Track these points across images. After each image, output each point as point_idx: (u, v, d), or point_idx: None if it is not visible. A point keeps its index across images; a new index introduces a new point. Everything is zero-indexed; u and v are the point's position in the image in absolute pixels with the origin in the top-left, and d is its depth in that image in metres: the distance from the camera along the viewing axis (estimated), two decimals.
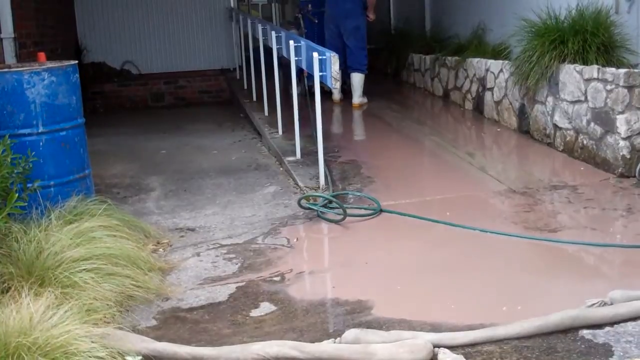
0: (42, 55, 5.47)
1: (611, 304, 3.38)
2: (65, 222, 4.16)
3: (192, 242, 4.79)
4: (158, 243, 4.73)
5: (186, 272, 4.26)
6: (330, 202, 5.17)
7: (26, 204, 4.05)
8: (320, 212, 5.09)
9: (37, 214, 4.20)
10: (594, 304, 3.37)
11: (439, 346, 3.10)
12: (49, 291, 3.43)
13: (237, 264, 4.35)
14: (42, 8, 8.45)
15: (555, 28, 6.36)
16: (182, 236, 4.91)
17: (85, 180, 4.84)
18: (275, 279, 4.10)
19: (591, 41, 6.09)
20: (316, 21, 9.93)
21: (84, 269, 3.70)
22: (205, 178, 6.48)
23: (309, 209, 5.20)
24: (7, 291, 3.55)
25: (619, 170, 5.55)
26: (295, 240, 4.74)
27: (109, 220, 4.34)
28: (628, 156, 5.52)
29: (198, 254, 4.54)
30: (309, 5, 10.44)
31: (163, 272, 4.22)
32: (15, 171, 4.12)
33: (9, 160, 4.03)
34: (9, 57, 6.75)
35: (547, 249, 4.37)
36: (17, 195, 3.90)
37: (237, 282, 4.07)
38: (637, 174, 5.48)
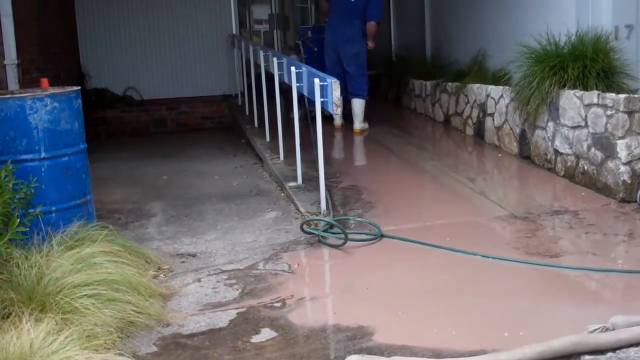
0: (45, 81, 5.50)
1: (613, 329, 3.37)
2: (66, 248, 4.16)
3: (193, 267, 4.78)
4: (159, 269, 4.72)
5: (187, 297, 4.25)
6: (332, 226, 5.17)
7: (28, 229, 4.06)
8: (322, 236, 5.09)
9: (38, 239, 4.20)
10: (595, 330, 3.36)
11: None
12: (49, 317, 3.43)
13: (238, 289, 4.34)
14: (46, 34, 8.51)
15: (555, 54, 6.39)
16: (183, 262, 4.91)
17: (87, 206, 4.85)
18: (276, 304, 4.09)
19: (591, 67, 6.13)
20: (316, 49, 10.01)
21: (84, 295, 3.70)
22: (206, 203, 6.48)
23: (311, 233, 5.20)
24: (8, 317, 3.54)
25: (620, 195, 5.56)
26: (296, 265, 4.74)
27: (110, 246, 4.34)
28: (629, 181, 5.52)
29: (199, 280, 4.53)
30: (309, 32, 10.53)
31: (164, 297, 4.21)
32: (17, 196, 4.12)
33: (11, 185, 4.04)
34: (12, 83, 6.78)
35: (548, 275, 4.36)
36: (18, 220, 3.90)
37: (238, 308, 4.06)
38: (638, 199, 5.48)
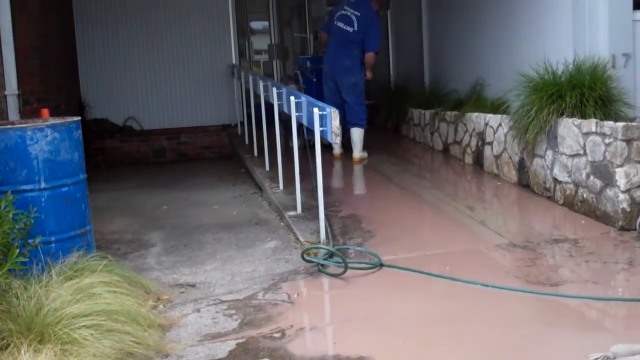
0: (45, 112, 5.52)
1: (614, 358, 3.35)
2: (65, 278, 4.15)
3: (192, 298, 4.76)
4: (158, 299, 4.71)
5: (186, 328, 4.23)
6: (332, 255, 5.17)
7: (27, 259, 4.06)
8: (322, 265, 5.08)
9: (37, 269, 4.20)
10: (597, 359, 3.34)
11: None
12: (48, 348, 3.42)
13: (237, 320, 4.33)
14: (47, 65, 8.56)
15: (553, 82, 6.42)
16: (182, 292, 4.89)
17: (86, 236, 4.85)
18: (275, 335, 4.08)
19: (589, 95, 6.15)
20: (314, 79, 10.07)
21: (83, 326, 3.69)
22: (205, 233, 6.47)
23: (312, 262, 5.19)
24: (6, 348, 3.53)
25: (620, 223, 5.56)
26: (295, 295, 4.72)
27: (110, 276, 4.33)
28: (628, 209, 5.53)
29: (198, 310, 4.52)
30: (308, 62, 10.61)
31: (163, 328, 4.19)
32: (17, 227, 4.13)
33: (10, 216, 4.04)
34: (13, 113, 6.80)
35: (549, 303, 4.35)
36: (18, 251, 3.90)
37: (237, 339, 4.04)
38: (637, 227, 5.48)
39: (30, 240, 4.24)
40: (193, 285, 5.02)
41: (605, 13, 6.41)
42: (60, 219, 4.66)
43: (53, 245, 4.55)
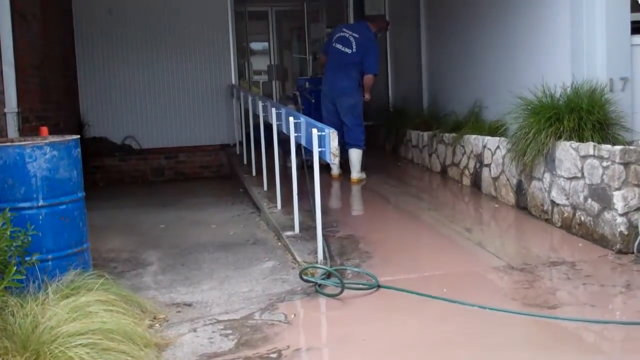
0: (44, 130, 5.53)
1: None
2: (62, 296, 4.14)
3: (189, 317, 4.75)
4: (154, 318, 4.69)
5: (182, 348, 4.22)
6: (329, 276, 5.16)
7: (24, 277, 4.05)
8: (319, 285, 5.07)
9: (34, 287, 4.19)
10: None
11: None
12: None
13: (233, 340, 4.31)
14: (47, 83, 8.59)
15: (551, 106, 6.45)
16: (178, 311, 4.88)
17: (83, 254, 4.84)
18: (272, 355, 4.06)
19: (586, 119, 6.18)
20: (313, 101, 10.11)
21: (79, 344, 3.67)
22: (203, 252, 6.47)
23: (309, 281, 5.18)
24: None
25: (617, 246, 5.56)
26: (292, 316, 4.71)
27: (106, 295, 4.32)
28: (626, 232, 5.53)
29: (194, 330, 4.50)
30: (307, 83, 10.65)
31: (159, 347, 4.17)
32: (14, 244, 4.12)
33: (8, 233, 4.04)
34: (12, 131, 6.82)
35: (546, 326, 4.34)
36: (15, 268, 3.90)
37: (234, 359, 4.02)
38: (635, 250, 5.49)
39: (27, 258, 4.23)
40: (190, 305, 5.01)
41: (603, 37, 6.46)
42: (57, 237, 4.66)
43: (50, 263, 4.54)
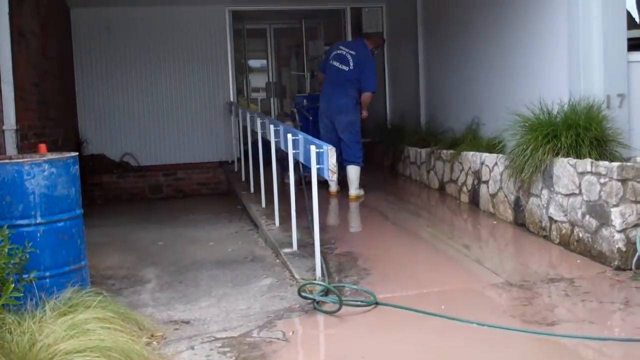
0: (42, 147, 5.53)
1: None
2: (59, 314, 4.13)
3: (187, 335, 4.73)
4: (152, 336, 4.67)
5: None
6: (328, 292, 5.15)
7: (22, 294, 4.04)
8: (318, 302, 5.06)
9: (31, 304, 4.18)
10: None
11: None
12: None
13: (231, 357, 4.29)
14: (45, 101, 8.60)
15: (548, 122, 6.47)
16: (176, 329, 4.86)
17: (81, 272, 4.83)
18: None
19: (584, 135, 6.20)
20: (310, 118, 10.15)
21: None
22: (201, 270, 6.45)
23: (308, 298, 5.17)
24: None
25: (615, 263, 5.56)
26: (290, 333, 4.70)
27: (104, 312, 4.30)
28: (624, 249, 5.53)
29: (192, 347, 4.48)
30: (305, 100, 10.69)
31: None
32: (12, 262, 4.11)
33: (6, 250, 4.04)
34: (11, 148, 6.81)
35: (545, 343, 4.33)
36: (13, 286, 3.89)
37: None
38: (633, 267, 5.48)
39: (25, 275, 4.23)
40: (187, 322, 4.99)
41: (600, 54, 6.49)
42: (55, 254, 4.65)
43: (48, 280, 4.53)
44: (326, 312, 4.98)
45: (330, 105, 9.32)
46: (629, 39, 6.62)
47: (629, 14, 6.89)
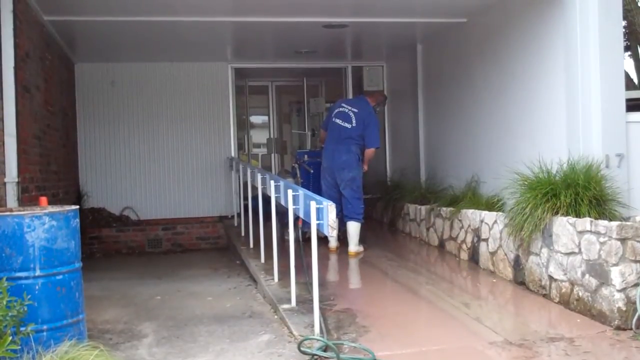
0: (43, 200, 5.56)
1: None
2: None
3: None
4: None
5: None
6: (327, 349, 5.12)
7: (19, 347, 4.01)
8: (316, 358, 5.02)
9: (28, 358, 4.15)
10: None
11: None
12: None
13: None
14: (47, 154, 8.66)
15: (548, 181, 6.51)
16: None
17: (79, 325, 4.80)
18: None
19: (583, 194, 6.23)
20: (311, 171, 10.21)
21: None
22: (198, 325, 6.41)
23: (307, 354, 5.12)
24: None
25: (616, 322, 5.53)
26: None
27: None
28: (624, 308, 5.51)
29: None
30: (305, 156, 10.77)
31: None
32: (10, 314, 4.10)
33: (4, 303, 4.03)
34: (12, 200, 6.83)
35: None
36: (10, 338, 3.87)
37: None
38: (633, 327, 5.45)
39: (22, 328, 4.20)
40: None
41: (599, 114, 6.57)
42: (53, 307, 4.63)
43: (45, 333, 4.50)
44: None
45: (333, 162, 9.38)
46: (628, 100, 6.71)
47: (627, 75, 6.99)
